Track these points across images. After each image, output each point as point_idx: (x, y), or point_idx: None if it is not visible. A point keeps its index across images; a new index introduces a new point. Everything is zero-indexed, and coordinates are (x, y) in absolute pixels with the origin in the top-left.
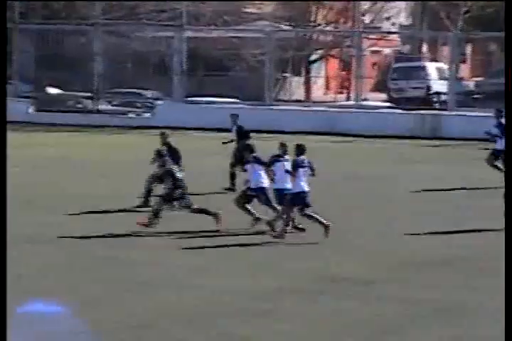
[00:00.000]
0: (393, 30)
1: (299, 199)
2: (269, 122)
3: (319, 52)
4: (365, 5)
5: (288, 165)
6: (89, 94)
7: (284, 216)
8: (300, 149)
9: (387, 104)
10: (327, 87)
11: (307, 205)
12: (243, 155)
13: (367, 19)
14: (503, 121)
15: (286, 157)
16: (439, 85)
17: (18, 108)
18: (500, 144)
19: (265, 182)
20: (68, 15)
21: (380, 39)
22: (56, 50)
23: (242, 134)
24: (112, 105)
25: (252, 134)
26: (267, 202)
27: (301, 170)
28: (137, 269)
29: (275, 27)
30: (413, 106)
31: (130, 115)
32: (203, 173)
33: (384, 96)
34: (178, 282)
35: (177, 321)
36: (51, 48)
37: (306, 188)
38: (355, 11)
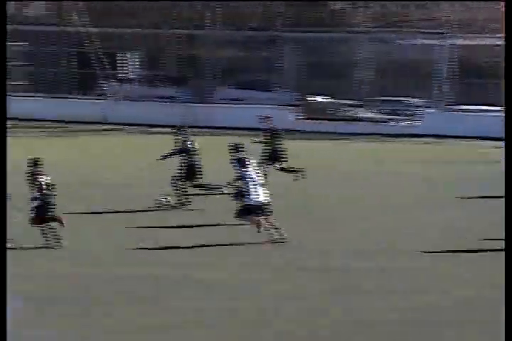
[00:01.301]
0: None
1: None
2: None
3: None
4: None
5: None
6: (354, 102)
7: None
8: None
9: None
10: None
11: None
12: None
13: None
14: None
15: None
16: None
17: (283, 116)
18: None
19: None
20: (334, 23)
21: None
22: (321, 58)
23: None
24: (376, 113)
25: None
26: None
27: None
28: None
29: None
30: None
31: (394, 123)
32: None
33: None
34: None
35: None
36: (316, 56)
37: None
38: None
